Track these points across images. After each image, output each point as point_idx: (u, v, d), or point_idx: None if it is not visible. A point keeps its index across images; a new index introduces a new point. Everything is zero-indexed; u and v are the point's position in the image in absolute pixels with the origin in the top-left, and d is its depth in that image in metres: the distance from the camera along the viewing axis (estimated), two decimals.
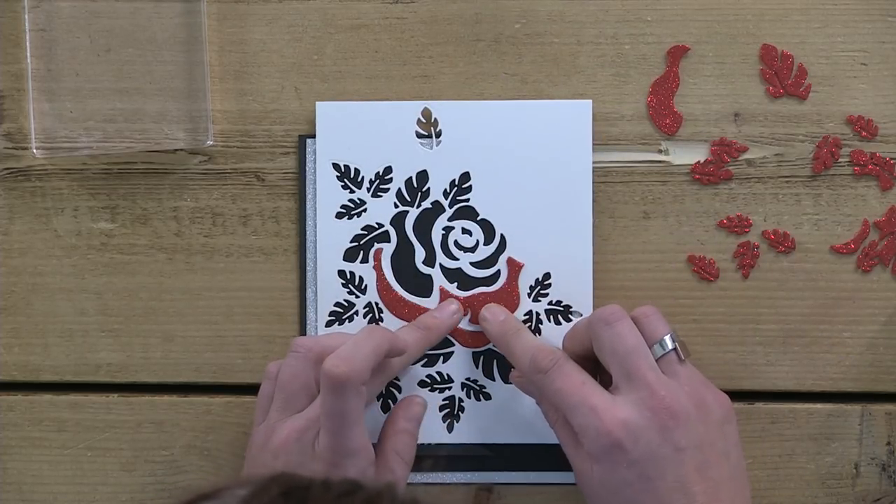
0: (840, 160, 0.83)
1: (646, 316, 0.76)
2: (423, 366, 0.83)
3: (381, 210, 0.83)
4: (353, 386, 0.72)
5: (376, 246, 0.83)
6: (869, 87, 0.82)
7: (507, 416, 0.83)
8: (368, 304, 0.83)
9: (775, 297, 0.83)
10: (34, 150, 0.83)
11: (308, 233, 0.83)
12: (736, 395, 0.83)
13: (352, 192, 0.83)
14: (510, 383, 0.83)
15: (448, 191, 0.83)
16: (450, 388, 0.83)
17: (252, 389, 0.84)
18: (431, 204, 0.83)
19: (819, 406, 0.84)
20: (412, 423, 0.80)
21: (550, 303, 0.83)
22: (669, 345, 0.75)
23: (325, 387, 0.72)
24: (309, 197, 0.83)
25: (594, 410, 0.72)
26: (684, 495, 0.71)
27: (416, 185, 0.83)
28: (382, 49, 0.84)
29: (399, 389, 0.83)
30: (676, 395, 0.72)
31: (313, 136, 0.83)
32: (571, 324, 0.81)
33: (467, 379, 0.83)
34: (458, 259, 0.83)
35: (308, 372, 0.76)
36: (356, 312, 0.83)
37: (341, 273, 0.83)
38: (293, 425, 0.75)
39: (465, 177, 0.83)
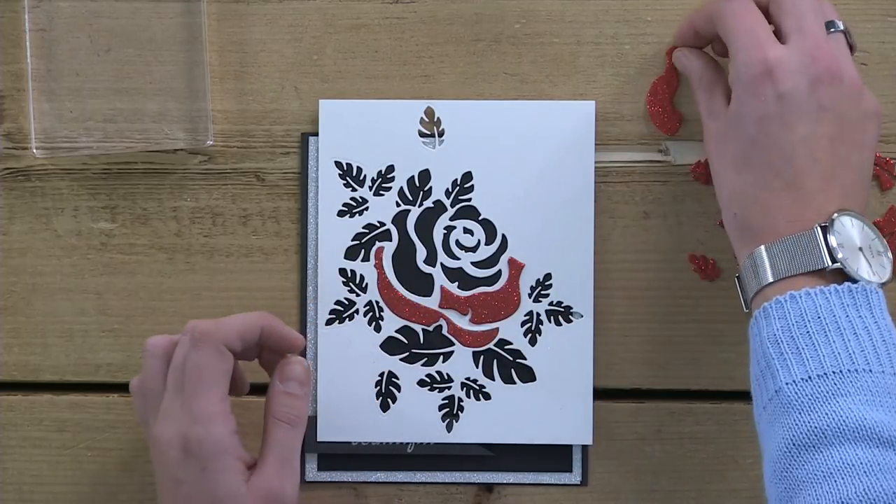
0: None
1: None
2: (422, 365, 0.83)
3: (382, 208, 0.83)
4: (214, 342, 0.72)
5: (377, 244, 0.83)
6: (869, 87, 0.82)
7: (507, 416, 0.83)
8: (369, 303, 0.83)
9: None
10: (34, 150, 0.83)
11: (309, 230, 0.83)
12: (736, 396, 0.83)
13: (354, 190, 0.83)
14: (510, 383, 0.83)
15: (450, 190, 0.83)
16: (449, 388, 0.83)
17: (252, 389, 0.84)
18: (433, 203, 0.83)
19: None
20: (290, 383, 0.76)
21: (551, 304, 0.83)
22: (841, 26, 0.74)
23: (186, 342, 0.72)
24: (311, 195, 0.83)
25: (758, 39, 0.71)
26: (809, 155, 0.70)
27: (418, 184, 0.83)
28: (382, 49, 0.84)
29: (399, 388, 0.83)
30: (841, 61, 0.72)
31: (315, 135, 0.83)
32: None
33: (467, 379, 0.83)
34: (459, 258, 0.83)
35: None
36: (356, 311, 0.83)
37: (342, 271, 0.83)
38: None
39: (468, 176, 0.83)
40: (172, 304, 0.85)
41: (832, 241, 0.68)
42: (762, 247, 0.70)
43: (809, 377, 0.65)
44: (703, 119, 0.76)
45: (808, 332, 0.66)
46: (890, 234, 0.83)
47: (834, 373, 0.65)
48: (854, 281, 0.67)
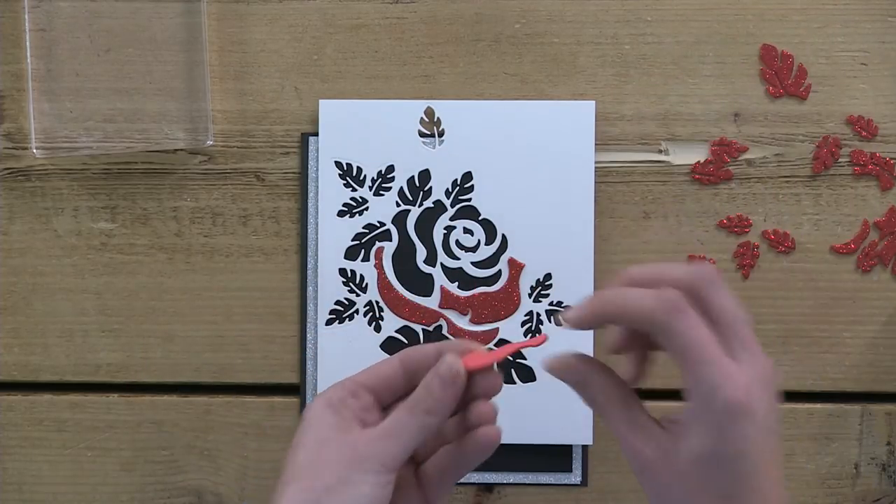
0: (840, 160, 0.83)
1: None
2: None
3: (382, 209, 0.83)
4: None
5: (377, 244, 0.83)
6: (869, 87, 0.83)
7: (507, 416, 0.83)
8: (369, 303, 0.83)
9: (775, 297, 0.83)
10: (34, 150, 0.83)
11: (309, 230, 0.83)
12: None
13: (354, 190, 0.83)
14: (510, 383, 0.83)
15: (450, 190, 0.83)
16: None
17: (252, 389, 0.84)
18: (433, 203, 0.83)
19: (819, 406, 0.84)
20: (432, 378, 0.69)
21: (551, 304, 0.83)
22: None
23: None
24: (311, 195, 0.83)
25: (726, 368, 0.63)
26: (779, 475, 0.65)
27: (418, 184, 0.83)
28: (382, 49, 0.84)
29: None
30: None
31: (315, 135, 0.83)
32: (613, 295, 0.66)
33: None
34: (459, 259, 0.83)
35: None
36: (356, 311, 0.83)
37: (342, 271, 0.83)
38: None
39: (468, 176, 0.83)
40: (172, 304, 0.85)
41: None
42: None
43: None
44: (626, 438, 0.66)
45: None
46: (890, 233, 0.83)
47: None
48: None
